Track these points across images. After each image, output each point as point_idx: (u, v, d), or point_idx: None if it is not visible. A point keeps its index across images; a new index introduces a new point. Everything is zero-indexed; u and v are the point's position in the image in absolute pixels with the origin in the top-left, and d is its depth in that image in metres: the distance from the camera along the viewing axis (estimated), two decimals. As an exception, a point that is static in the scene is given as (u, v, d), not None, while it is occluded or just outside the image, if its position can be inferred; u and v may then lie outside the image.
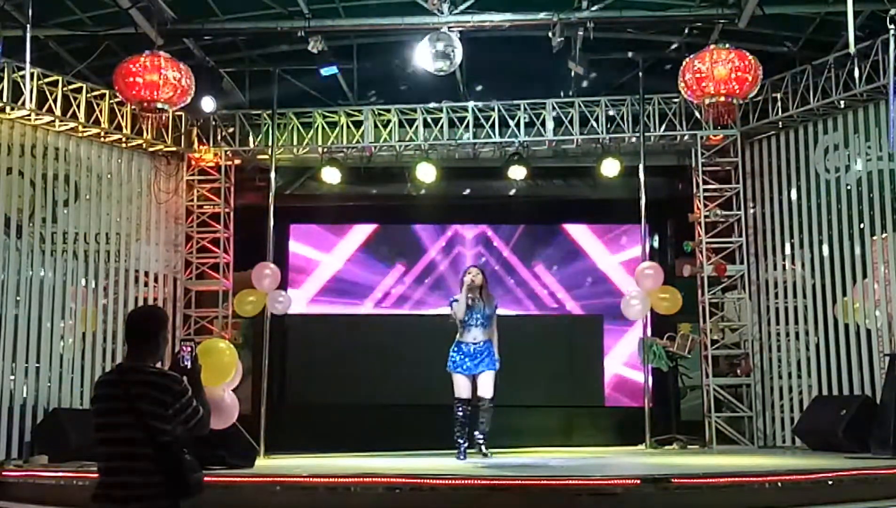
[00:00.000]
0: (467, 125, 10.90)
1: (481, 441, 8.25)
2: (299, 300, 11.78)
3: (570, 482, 5.92)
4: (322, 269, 12.54)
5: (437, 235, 12.61)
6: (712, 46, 8.39)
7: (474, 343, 8.28)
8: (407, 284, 12.46)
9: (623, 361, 12.11)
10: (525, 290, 12.29)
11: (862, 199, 9.72)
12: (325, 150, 11.11)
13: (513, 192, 11.85)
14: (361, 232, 12.62)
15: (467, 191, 12.17)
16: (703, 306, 10.59)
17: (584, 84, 10.29)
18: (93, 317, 10.17)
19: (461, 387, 8.28)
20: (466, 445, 8.27)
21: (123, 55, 8.61)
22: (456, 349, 8.33)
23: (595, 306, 12.29)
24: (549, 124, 10.85)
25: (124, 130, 10.32)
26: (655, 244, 12.35)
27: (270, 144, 10.90)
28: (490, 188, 12.05)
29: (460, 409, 8.27)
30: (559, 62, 9.68)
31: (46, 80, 9.51)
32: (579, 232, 12.52)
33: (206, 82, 9.71)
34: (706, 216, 10.65)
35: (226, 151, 11.20)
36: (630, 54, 10.35)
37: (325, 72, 9.89)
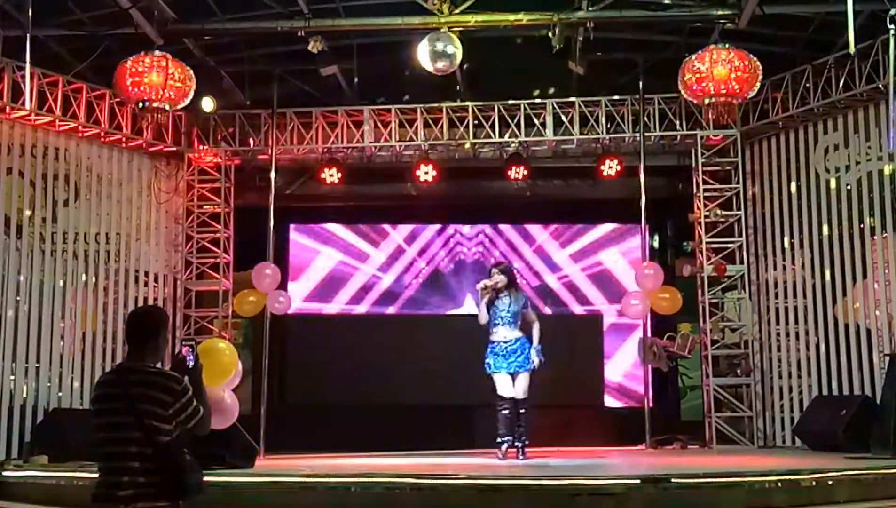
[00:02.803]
0: (467, 125, 10.90)
1: (519, 447, 8.21)
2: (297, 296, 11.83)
3: (570, 482, 5.92)
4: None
5: (437, 235, 12.61)
6: (712, 46, 8.38)
7: (505, 342, 8.28)
8: (407, 284, 12.46)
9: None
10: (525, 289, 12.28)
11: (862, 199, 9.72)
12: (325, 150, 11.11)
13: (513, 192, 11.85)
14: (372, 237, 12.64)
15: (467, 191, 12.18)
16: (703, 306, 10.58)
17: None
18: (93, 317, 10.17)
19: (501, 385, 8.23)
20: (509, 444, 8.20)
21: (123, 55, 8.60)
22: (490, 350, 8.33)
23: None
24: (549, 124, 10.85)
25: (124, 130, 10.32)
26: (655, 244, 12.36)
27: (270, 144, 10.90)
28: (490, 188, 12.05)
29: (502, 407, 8.21)
30: (559, 62, 9.69)
31: (46, 80, 9.52)
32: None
33: (206, 82, 9.71)
34: (706, 216, 10.64)
35: (226, 151, 11.20)
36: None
37: (324, 73, 9.88)
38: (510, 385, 8.22)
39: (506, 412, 8.22)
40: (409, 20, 9.08)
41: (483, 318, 8.34)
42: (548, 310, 12.20)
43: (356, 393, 11.62)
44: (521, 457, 8.16)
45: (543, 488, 5.89)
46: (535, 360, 8.22)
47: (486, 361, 8.31)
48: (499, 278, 8.37)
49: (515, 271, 9.42)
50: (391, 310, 12.45)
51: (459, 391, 10.44)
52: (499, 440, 8.21)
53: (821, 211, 10.14)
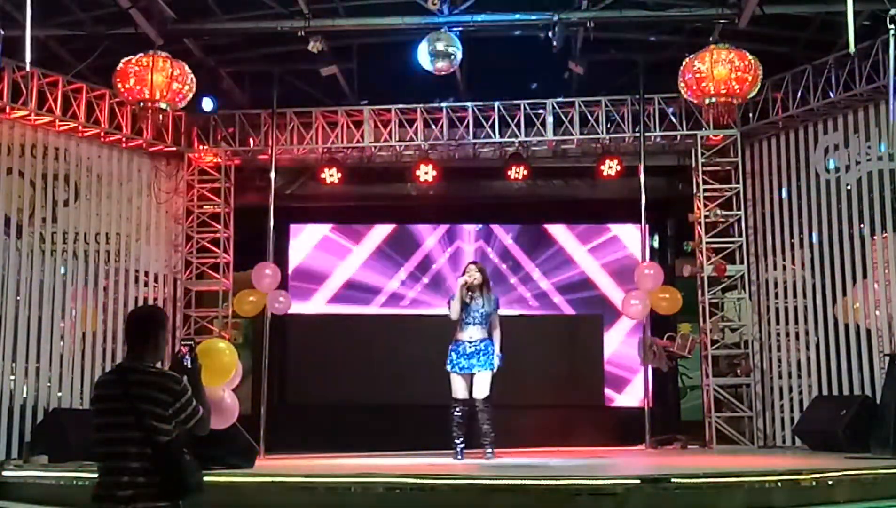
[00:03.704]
0: (467, 125, 10.90)
1: (486, 444, 8.20)
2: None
3: (570, 482, 5.92)
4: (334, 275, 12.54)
5: (436, 235, 12.60)
6: (712, 46, 8.39)
7: (470, 342, 8.27)
8: (406, 284, 12.46)
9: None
10: (525, 289, 12.27)
11: (862, 199, 9.72)
12: (325, 150, 11.11)
13: (513, 192, 11.85)
14: (371, 237, 12.62)
15: (467, 191, 12.17)
16: (703, 306, 10.58)
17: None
18: (93, 317, 10.17)
19: (457, 387, 8.27)
20: (464, 445, 8.26)
21: (123, 55, 8.60)
22: (454, 347, 8.33)
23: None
24: (549, 124, 10.84)
25: (124, 130, 10.31)
26: (655, 244, 12.35)
27: (270, 144, 10.90)
28: (490, 188, 12.05)
29: (457, 409, 8.27)
30: (559, 62, 9.68)
31: (46, 80, 9.51)
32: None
33: (206, 82, 9.70)
34: (706, 216, 10.64)
35: (226, 151, 11.20)
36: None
37: (324, 73, 9.88)
38: (465, 387, 8.24)
39: (458, 414, 8.24)
40: (409, 20, 9.09)
41: (455, 314, 8.31)
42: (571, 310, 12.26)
43: (356, 393, 11.63)
44: (487, 457, 8.12)
45: (543, 488, 5.89)
46: (496, 364, 8.23)
47: (449, 357, 8.29)
48: (476, 276, 8.36)
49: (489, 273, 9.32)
50: (391, 310, 12.43)
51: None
52: (455, 442, 8.23)
53: (821, 211, 10.14)
